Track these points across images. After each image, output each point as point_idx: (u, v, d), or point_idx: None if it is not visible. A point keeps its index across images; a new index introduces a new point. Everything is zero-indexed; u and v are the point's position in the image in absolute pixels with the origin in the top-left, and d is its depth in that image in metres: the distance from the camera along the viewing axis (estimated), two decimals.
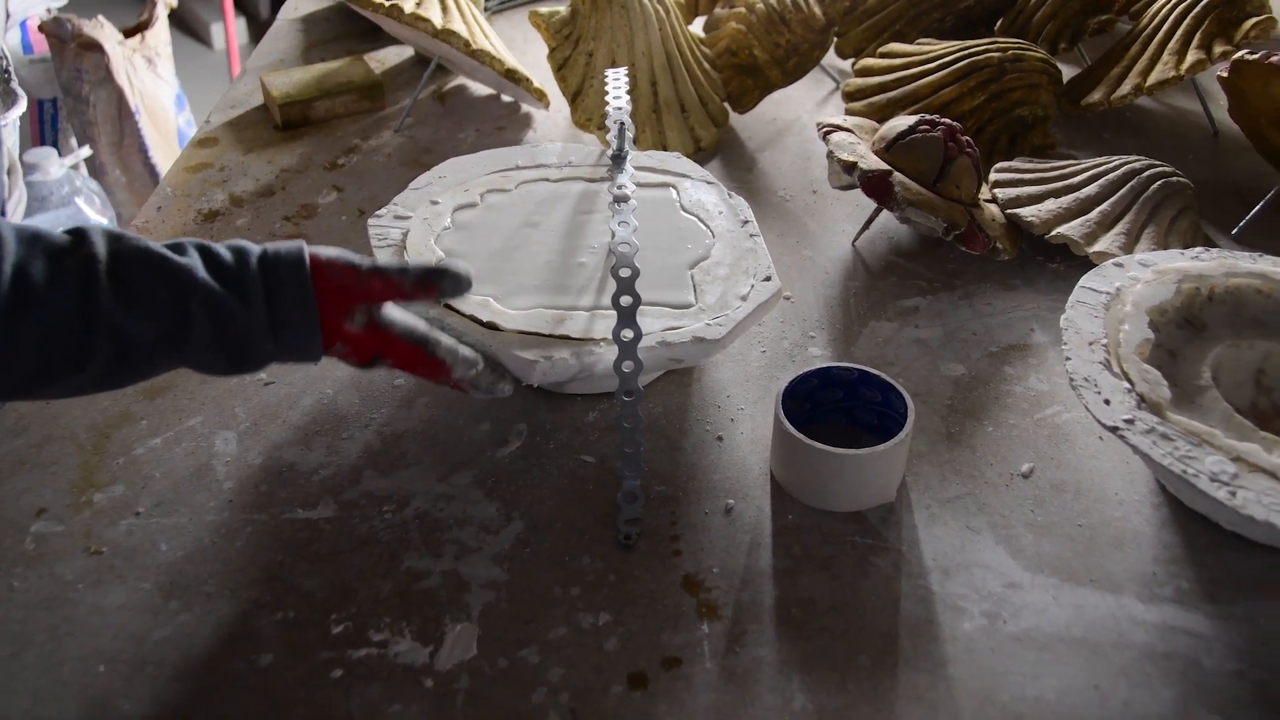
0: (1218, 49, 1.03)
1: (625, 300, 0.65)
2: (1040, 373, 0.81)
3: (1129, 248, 0.88)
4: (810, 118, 1.13)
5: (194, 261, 0.57)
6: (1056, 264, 0.91)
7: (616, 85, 0.83)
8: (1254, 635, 0.63)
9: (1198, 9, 1.06)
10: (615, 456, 0.72)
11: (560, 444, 0.74)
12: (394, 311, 0.63)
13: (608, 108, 0.80)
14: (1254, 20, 1.03)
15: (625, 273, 0.66)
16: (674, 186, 0.84)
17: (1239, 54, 0.96)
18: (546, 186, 0.85)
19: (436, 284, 0.62)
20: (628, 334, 0.65)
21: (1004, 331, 0.84)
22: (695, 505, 0.70)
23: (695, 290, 0.74)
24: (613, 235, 0.68)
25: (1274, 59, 0.91)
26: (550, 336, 0.70)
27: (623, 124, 0.79)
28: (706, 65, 1.07)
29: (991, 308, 0.87)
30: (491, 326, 0.70)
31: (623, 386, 0.65)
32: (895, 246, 0.93)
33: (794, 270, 0.90)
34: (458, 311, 0.71)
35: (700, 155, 1.03)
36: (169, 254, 0.56)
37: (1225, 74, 0.99)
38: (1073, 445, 0.75)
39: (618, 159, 0.79)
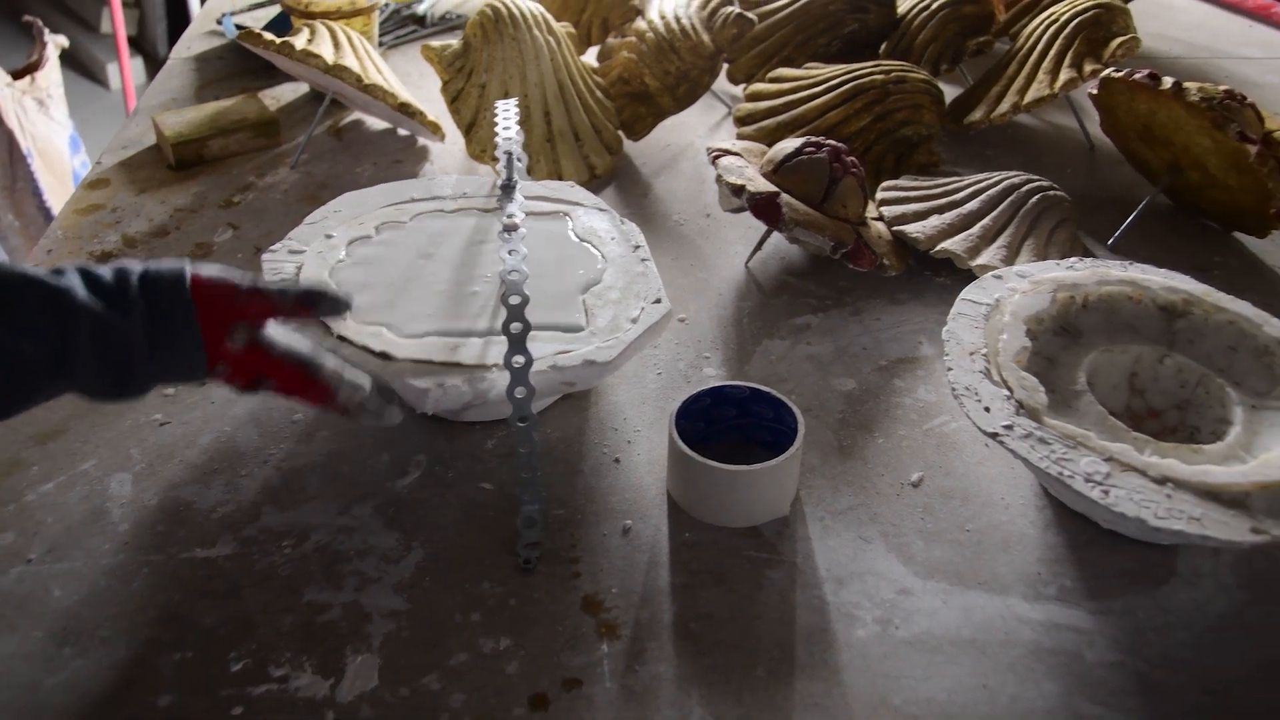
0: (1088, 67, 1.07)
1: (516, 327, 0.66)
2: (928, 384, 0.83)
3: (1010, 260, 0.91)
4: (703, 142, 1.15)
5: (73, 282, 0.57)
6: (943, 278, 0.94)
7: (506, 116, 0.84)
8: (1132, 628, 0.65)
9: (1068, 30, 1.10)
10: (514, 482, 0.73)
11: (459, 472, 0.75)
12: (277, 333, 0.63)
13: (497, 139, 0.81)
14: (1119, 40, 1.07)
15: (515, 300, 0.67)
16: (567, 214, 0.86)
17: (1106, 72, 1.00)
18: (441, 218, 0.86)
19: (315, 303, 0.62)
20: (519, 360, 0.66)
21: (893, 345, 0.87)
22: (594, 527, 0.71)
23: (587, 314, 0.75)
24: (503, 263, 0.69)
25: (1137, 76, 0.95)
26: (443, 364, 0.71)
27: (511, 154, 0.80)
28: (599, 94, 1.09)
29: (881, 322, 0.89)
30: (384, 356, 0.71)
31: (517, 412, 0.66)
32: (787, 266, 0.95)
33: (689, 292, 0.92)
34: (350, 342, 0.72)
35: (595, 182, 1.05)
36: (48, 277, 0.56)
37: (1095, 91, 1.03)
38: (960, 453, 0.77)
39: (507, 189, 0.80)
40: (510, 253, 0.70)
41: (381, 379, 0.67)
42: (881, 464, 0.76)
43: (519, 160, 0.85)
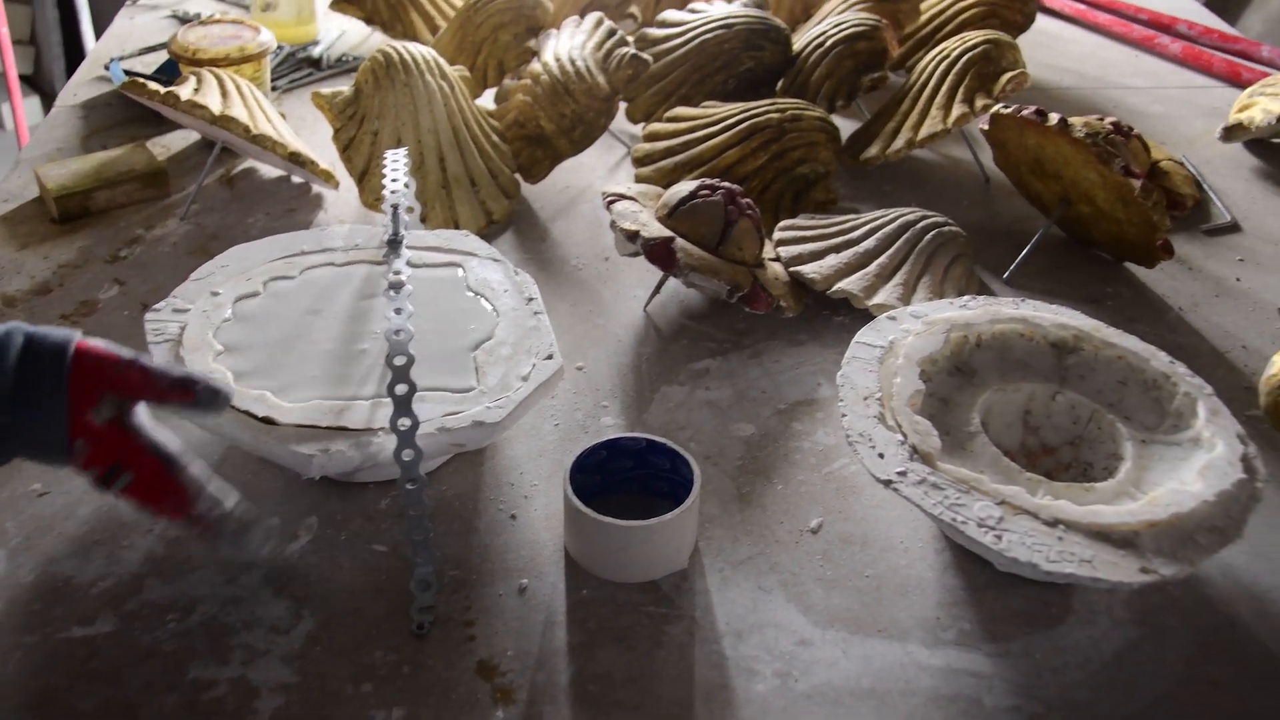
0: (979, 103, 1.08)
1: (401, 389, 0.65)
2: (827, 427, 0.83)
3: (906, 298, 0.91)
4: (603, 184, 1.14)
5: None
6: (841, 317, 0.94)
7: (394, 168, 0.83)
8: (1030, 670, 0.66)
9: (959, 65, 1.11)
10: (409, 543, 0.72)
11: (352, 534, 0.73)
12: (146, 421, 0.61)
13: (384, 191, 0.80)
14: (1009, 75, 1.09)
15: (400, 361, 0.65)
16: (460, 265, 0.85)
17: (995, 108, 1.01)
18: (331, 271, 0.84)
19: (194, 390, 0.61)
20: (405, 423, 0.64)
21: (792, 388, 0.87)
22: (489, 587, 0.70)
23: (477, 372, 0.74)
24: (388, 322, 0.68)
25: (1024, 113, 0.97)
26: (329, 429, 0.69)
27: (397, 207, 0.79)
28: (495, 138, 1.08)
29: (780, 364, 0.89)
30: (268, 421, 0.69)
31: (405, 475, 0.65)
32: (686, 309, 0.95)
33: (587, 340, 0.91)
34: (233, 407, 0.70)
35: (493, 228, 1.04)
36: None
37: (986, 127, 1.04)
38: (859, 497, 0.77)
39: (393, 244, 0.78)
40: (396, 311, 0.68)
41: (248, 513, 0.65)
42: (781, 511, 0.76)
43: (410, 211, 0.84)
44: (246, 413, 0.70)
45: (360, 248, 0.86)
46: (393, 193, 0.79)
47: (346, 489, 0.77)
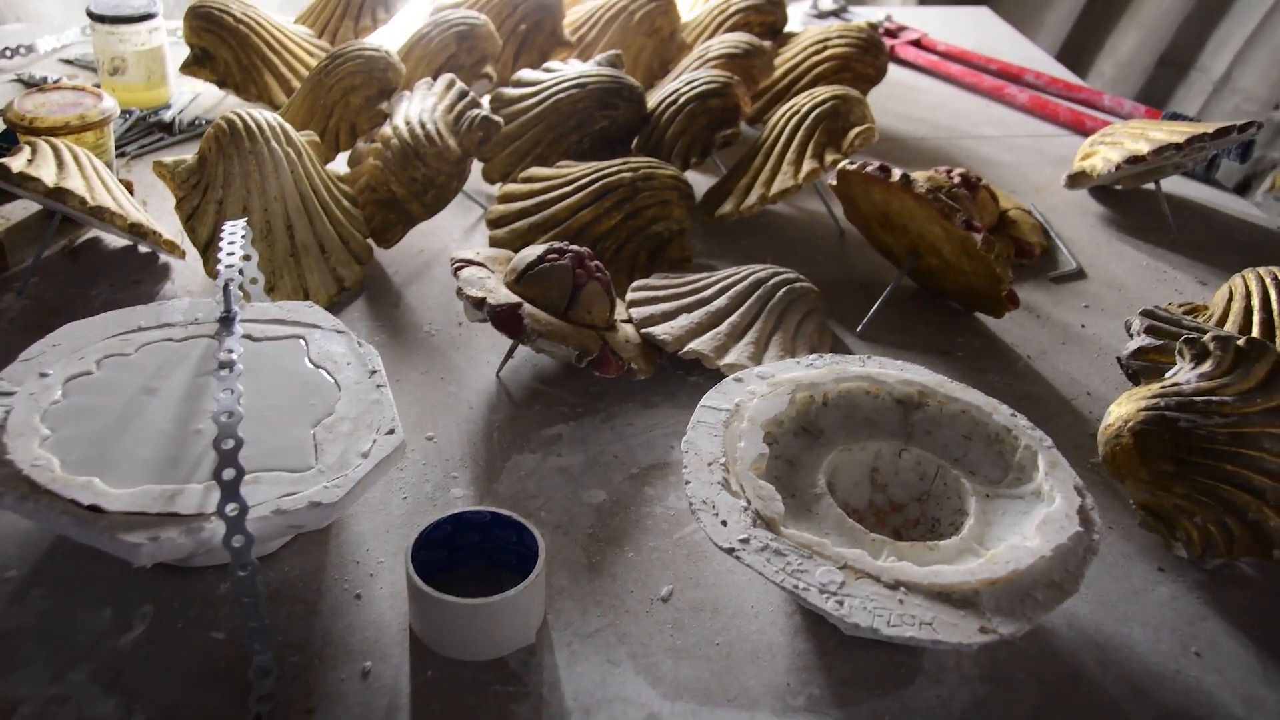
0: (829, 157, 1.10)
1: (229, 473, 0.62)
2: (679, 490, 0.83)
3: (758, 356, 0.91)
4: (458, 246, 1.13)
5: None
6: (695, 377, 0.94)
7: (231, 241, 0.81)
8: None
9: (809, 121, 1.13)
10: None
11: (189, 621, 0.71)
12: None
13: (219, 266, 0.78)
14: (857, 130, 1.11)
15: (228, 444, 0.63)
16: (303, 338, 0.83)
17: (841, 164, 1.03)
18: (169, 347, 0.82)
19: None
20: (234, 508, 0.62)
21: (645, 451, 0.86)
22: (331, 672, 0.68)
23: (316, 450, 0.72)
24: (217, 404, 0.66)
25: (869, 169, 0.98)
26: (159, 515, 0.67)
27: (228, 285, 0.77)
28: (346, 203, 1.06)
29: (633, 428, 0.89)
30: (95, 509, 0.66)
31: (236, 562, 0.63)
32: (539, 374, 0.94)
33: (438, 409, 0.90)
34: (58, 497, 0.67)
35: (345, 294, 1.02)
36: None
37: (834, 183, 1.05)
38: (710, 562, 0.77)
39: (225, 321, 0.76)
40: (225, 392, 0.66)
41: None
42: (631, 579, 0.75)
43: (254, 282, 0.82)
44: (72, 501, 0.67)
45: (200, 322, 0.84)
46: (227, 267, 0.77)
47: (185, 574, 0.74)
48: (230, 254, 0.79)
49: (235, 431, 0.64)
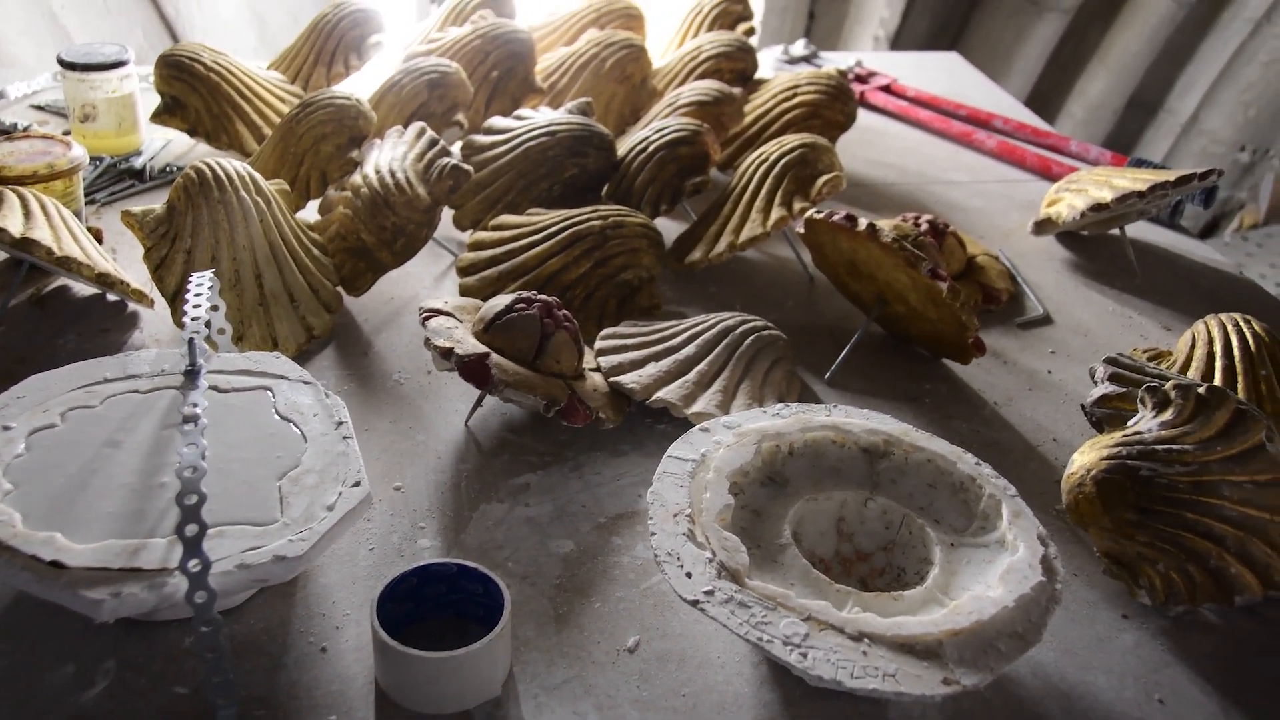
0: (797, 205, 1.11)
1: (191, 529, 0.62)
2: (647, 540, 0.83)
3: (726, 405, 0.92)
4: (429, 294, 1.14)
5: None
6: (664, 425, 0.94)
7: (198, 294, 0.81)
8: None
9: (777, 169, 1.14)
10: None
11: (153, 677, 0.70)
12: None
13: (185, 319, 0.78)
14: (824, 178, 1.12)
15: (191, 500, 0.63)
16: (270, 390, 0.83)
17: (809, 212, 1.04)
18: (135, 399, 0.81)
19: None
20: (196, 564, 0.62)
21: (612, 500, 0.86)
22: None
23: (281, 503, 0.72)
24: (180, 459, 0.66)
25: (835, 218, 0.99)
26: (122, 570, 0.66)
27: (194, 339, 0.77)
28: (316, 251, 1.06)
29: (601, 476, 0.89)
30: (56, 565, 0.66)
31: (199, 618, 0.63)
32: (508, 422, 0.94)
33: (406, 458, 0.89)
34: (19, 553, 0.67)
35: (315, 343, 1.02)
36: None
37: (802, 230, 1.06)
38: (676, 612, 0.77)
39: (190, 374, 0.76)
40: (188, 446, 0.66)
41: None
42: (598, 630, 0.75)
43: (221, 333, 0.82)
44: (33, 557, 0.67)
45: (167, 373, 0.84)
46: (194, 319, 0.77)
47: (148, 628, 0.73)
48: (197, 306, 0.79)
49: (199, 487, 0.64)
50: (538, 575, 0.79)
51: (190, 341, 0.76)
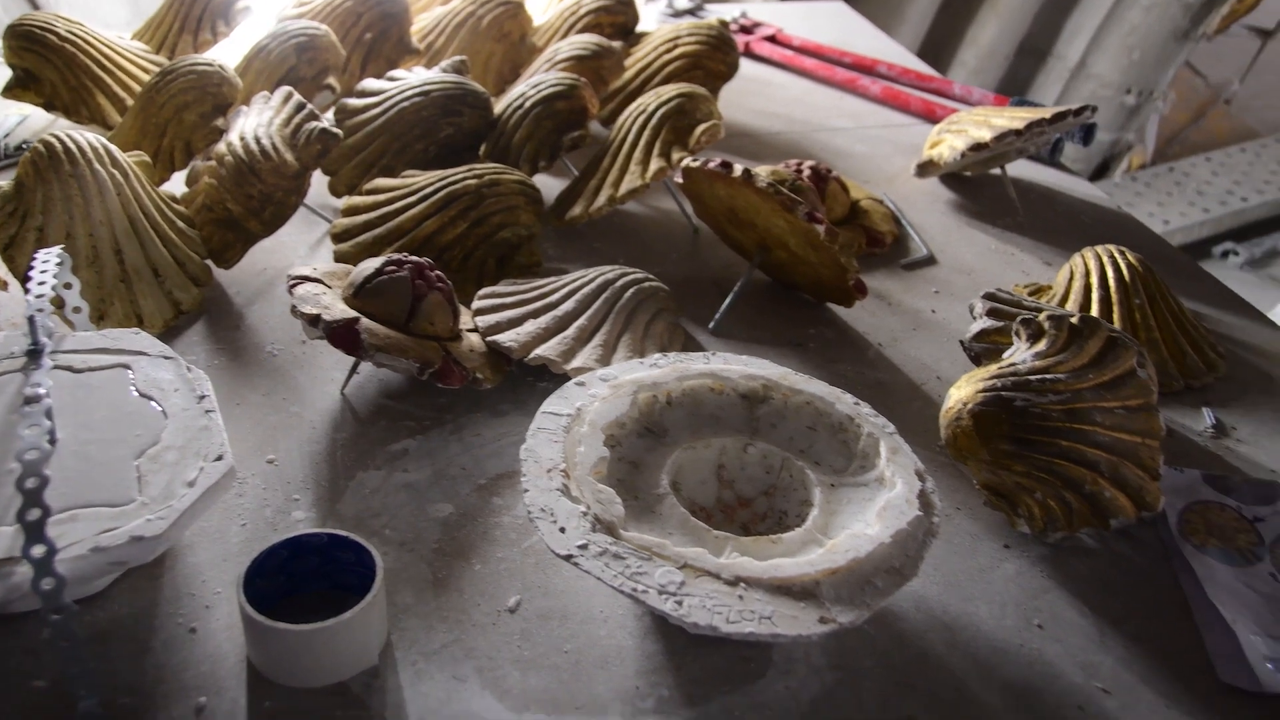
0: (676, 155, 1.09)
1: (33, 513, 0.60)
2: None
3: (606, 359, 0.90)
4: (303, 262, 1.11)
5: None
6: (546, 383, 0.93)
7: (43, 271, 0.77)
8: None
9: (655, 120, 1.12)
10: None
11: (9, 671, 0.67)
12: None
13: (28, 297, 0.74)
14: (702, 127, 1.11)
15: (32, 483, 0.60)
16: (128, 367, 0.80)
17: (685, 162, 1.02)
18: None
19: None
20: (40, 550, 0.59)
21: (493, 461, 0.85)
22: (163, 711, 0.65)
23: (140, 482, 0.69)
24: (20, 441, 0.63)
25: (711, 165, 0.98)
26: None
27: (35, 316, 0.73)
28: (181, 224, 1.03)
29: (481, 438, 0.87)
30: None
31: (48, 606, 0.60)
32: (385, 389, 0.92)
33: (279, 430, 0.87)
34: None
35: (184, 319, 0.99)
36: None
37: (680, 180, 1.05)
38: (558, 570, 0.76)
39: (34, 354, 0.73)
40: (30, 428, 0.63)
41: None
42: (478, 592, 0.74)
43: (77, 311, 0.79)
44: None
45: (15, 356, 0.80)
46: (37, 297, 0.74)
47: (3, 622, 0.70)
48: (41, 284, 0.76)
49: (40, 469, 0.61)
50: (416, 541, 0.77)
51: (31, 320, 0.73)
